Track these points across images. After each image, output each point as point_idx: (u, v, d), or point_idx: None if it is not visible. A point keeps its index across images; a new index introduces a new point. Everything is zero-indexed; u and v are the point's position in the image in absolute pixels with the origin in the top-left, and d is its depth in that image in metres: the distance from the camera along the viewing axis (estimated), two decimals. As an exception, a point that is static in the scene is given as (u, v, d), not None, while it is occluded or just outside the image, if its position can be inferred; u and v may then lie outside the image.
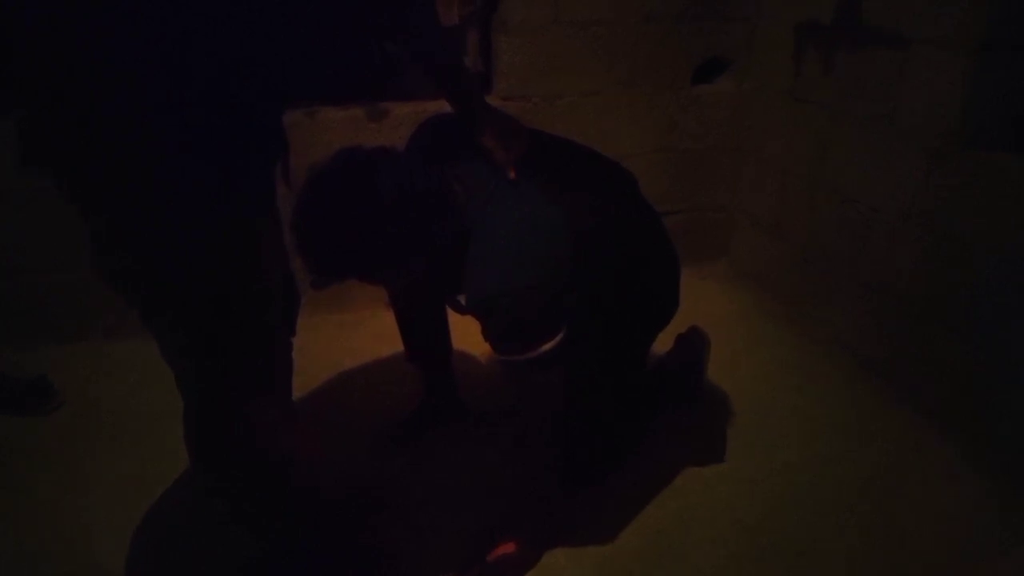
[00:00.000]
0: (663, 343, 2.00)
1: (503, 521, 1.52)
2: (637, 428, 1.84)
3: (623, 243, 1.45)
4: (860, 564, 1.54)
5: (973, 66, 1.73)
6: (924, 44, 1.84)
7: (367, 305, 2.36)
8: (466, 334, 2.13)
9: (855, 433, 1.92)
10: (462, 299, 1.32)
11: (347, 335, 2.35)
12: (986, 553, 1.55)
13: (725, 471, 1.79)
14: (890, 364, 2.09)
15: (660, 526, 1.63)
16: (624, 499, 1.70)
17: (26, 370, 2.04)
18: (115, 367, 2.16)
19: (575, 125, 2.43)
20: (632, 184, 1.58)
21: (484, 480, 1.75)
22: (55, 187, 1.02)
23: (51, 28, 0.91)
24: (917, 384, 1.99)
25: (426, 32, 1.31)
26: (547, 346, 1.30)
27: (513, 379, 1.45)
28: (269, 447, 1.25)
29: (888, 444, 1.88)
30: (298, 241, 1.19)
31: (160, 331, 1.15)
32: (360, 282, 1.29)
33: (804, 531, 1.62)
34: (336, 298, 2.35)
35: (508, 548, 1.43)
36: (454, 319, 1.85)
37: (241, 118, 1.02)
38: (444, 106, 1.45)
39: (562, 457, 1.65)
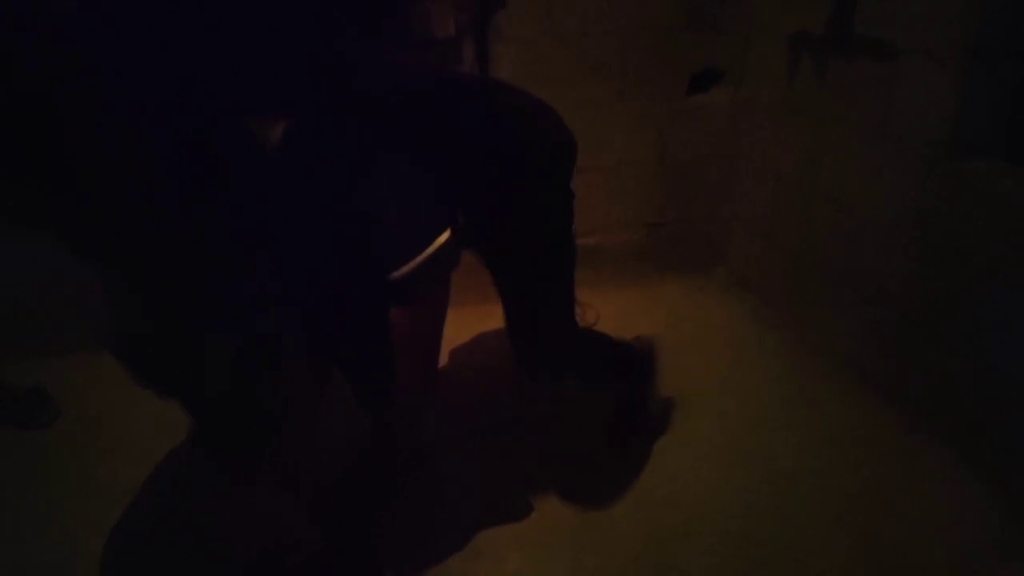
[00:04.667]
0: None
1: None
2: (594, 351, 1.73)
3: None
4: (857, 575, 1.54)
5: (964, 76, 1.75)
6: (915, 54, 1.86)
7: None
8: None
9: (852, 442, 1.92)
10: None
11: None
12: (986, 563, 1.55)
13: (719, 481, 1.79)
14: (887, 373, 2.09)
15: (654, 536, 1.63)
16: (618, 509, 1.71)
17: (23, 381, 2.04)
18: (113, 377, 2.15)
19: (571, 134, 2.44)
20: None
21: (481, 491, 1.76)
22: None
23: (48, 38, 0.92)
24: (914, 393, 1.99)
25: None
26: (439, 241, 1.24)
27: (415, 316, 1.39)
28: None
29: (886, 454, 1.88)
30: None
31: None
32: None
33: (800, 541, 1.62)
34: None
35: None
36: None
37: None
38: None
39: (518, 338, 1.55)
